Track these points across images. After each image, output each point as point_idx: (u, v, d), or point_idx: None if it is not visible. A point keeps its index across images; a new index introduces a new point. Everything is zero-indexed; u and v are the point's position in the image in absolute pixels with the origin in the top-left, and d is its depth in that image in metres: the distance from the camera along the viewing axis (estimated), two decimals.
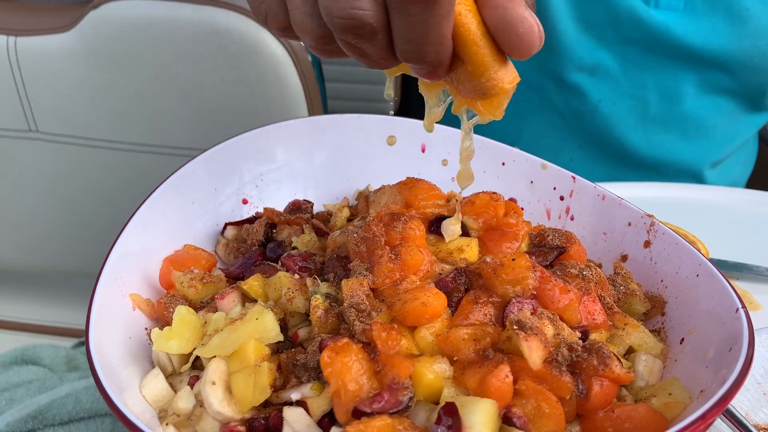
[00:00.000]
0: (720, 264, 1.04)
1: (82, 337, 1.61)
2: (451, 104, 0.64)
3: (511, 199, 0.87)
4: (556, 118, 1.45)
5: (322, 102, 1.47)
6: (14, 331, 1.65)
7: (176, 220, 0.81)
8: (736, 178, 1.61)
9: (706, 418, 0.49)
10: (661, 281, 0.76)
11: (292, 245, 0.79)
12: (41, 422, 1.13)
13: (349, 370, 0.57)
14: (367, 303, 0.64)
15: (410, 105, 2.43)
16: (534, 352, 0.57)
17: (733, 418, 0.73)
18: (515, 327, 0.59)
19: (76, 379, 1.33)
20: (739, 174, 1.63)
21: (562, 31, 1.30)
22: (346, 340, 0.59)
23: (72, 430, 1.15)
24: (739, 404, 0.79)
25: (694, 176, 1.49)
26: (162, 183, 0.80)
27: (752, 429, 0.72)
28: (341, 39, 0.53)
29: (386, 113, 1.12)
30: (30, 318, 1.67)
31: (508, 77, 0.56)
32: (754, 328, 0.84)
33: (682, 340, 0.69)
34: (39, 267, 1.61)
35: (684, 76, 1.33)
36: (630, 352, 0.69)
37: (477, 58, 0.53)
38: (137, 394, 0.64)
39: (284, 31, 0.58)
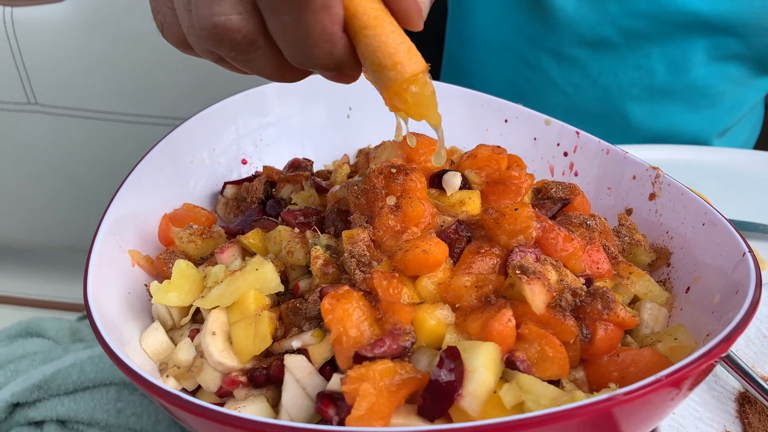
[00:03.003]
0: None
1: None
2: None
3: (516, 156, 0.86)
4: (557, 95, 1.43)
5: None
6: (19, 306, 1.65)
7: (175, 178, 0.80)
8: (743, 144, 1.59)
9: (710, 356, 0.48)
10: (667, 233, 0.75)
11: (292, 202, 0.79)
12: (46, 392, 1.13)
13: (350, 316, 0.56)
14: (368, 253, 0.63)
15: None
16: (537, 296, 0.56)
17: (740, 370, 0.73)
18: (518, 271, 0.58)
19: (81, 349, 1.33)
20: (745, 140, 1.61)
21: (561, 6, 1.27)
22: (346, 287, 0.59)
23: (77, 399, 1.15)
24: (746, 357, 0.78)
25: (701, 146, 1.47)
26: (159, 141, 0.79)
27: (759, 380, 0.71)
28: (223, 54, 0.47)
29: None
30: (34, 293, 1.67)
31: (410, 65, 0.49)
32: (764, 283, 0.83)
33: (688, 288, 0.68)
34: (41, 241, 1.61)
35: (692, 44, 1.30)
36: (635, 301, 0.68)
37: (370, 43, 0.47)
38: (137, 347, 0.64)
39: (182, 45, 0.52)
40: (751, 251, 0.60)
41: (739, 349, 0.79)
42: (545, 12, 1.30)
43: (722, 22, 1.25)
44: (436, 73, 1.77)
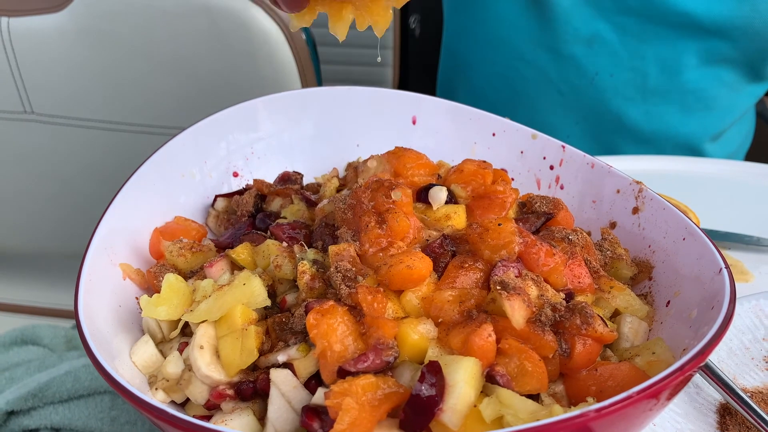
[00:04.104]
0: (712, 234, 1.04)
1: None
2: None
3: (502, 170, 0.87)
4: (552, 94, 1.44)
5: (317, 84, 1.47)
6: (14, 314, 1.66)
7: (166, 192, 0.81)
8: (735, 151, 1.61)
9: (683, 371, 0.49)
10: (649, 246, 0.76)
11: (282, 215, 0.80)
12: (41, 400, 1.14)
13: (334, 331, 0.58)
14: (354, 268, 0.64)
15: (408, 80, 2.43)
16: (516, 312, 0.58)
17: (721, 382, 0.74)
18: (498, 287, 0.59)
19: (76, 357, 1.34)
20: (738, 146, 1.62)
21: (558, 1, 1.29)
22: (331, 302, 0.60)
23: (71, 407, 1.16)
24: (727, 368, 0.79)
25: (694, 150, 1.48)
26: (151, 155, 0.80)
27: (739, 391, 0.73)
28: None
29: None
30: (29, 300, 1.68)
31: None
32: (747, 295, 0.85)
33: (668, 302, 0.69)
34: (37, 249, 1.62)
35: (685, 47, 1.31)
36: (616, 315, 0.69)
37: None
38: (127, 360, 0.65)
39: None
40: (727, 267, 0.62)
41: (720, 360, 0.80)
42: (542, 6, 1.32)
43: (713, 25, 1.26)
44: (434, 70, 1.79)
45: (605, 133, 1.47)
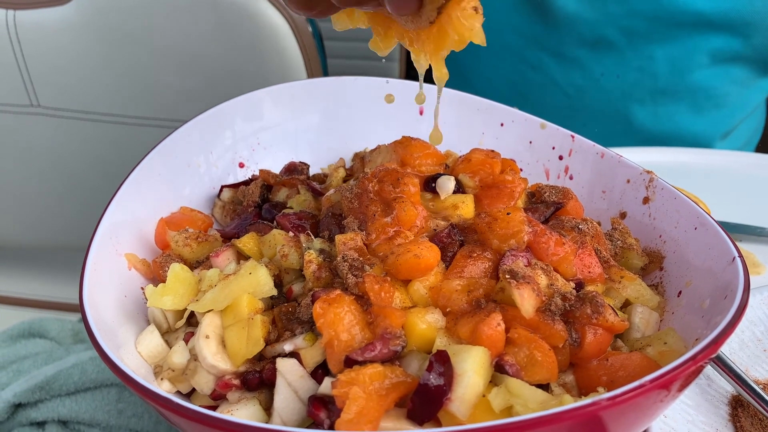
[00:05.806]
0: (723, 225, 1.02)
1: None
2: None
3: (510, 160, 0.86)
4: (558, 96, 1.42)
5: (323, 75, 1.46)
6: (21, 307, 1.66)
7: (171, 182, 0.81)
8: (744, 145, 1.59)
9: (695, 361, 0.48)
10: (660, 236, 0.75)
11: (288, 206, 0.79)
12: (48, 393, 1.14)
13: (341, 320, 0.57)
14: (360, 257, 0.63)
15: (416, 75, 2.42)
16: (526, 301, 0.57)
17: (732, 373, 0.73)
18: (508, 276, 0.58)
19: (82, 350, 1.34)
20: (746, 141, 1.60)
21: (561, 6, 1.27)
22: (338, 292, 0.59)
23: (78, 400, 1.16)
24: (739, 360, 0.78)
25: (705, 148, 1.46)
26: (156, 145, 0.80)
27: (751, 383, 0.72)
28: None
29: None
30: (36, 294, 1.68)
31: None
32: (759, 287, 0.84)
33: (680, 293, 0.68)
34: (43, 242, 1.62)
35: (695, 46, 1.29)
36: (627, 305, 0.69)
37: None
38: (133, 350, 0.64)
39: (304, 6, 0.62)
40: (740, 256, 0.61)
41: (732, 352, 0.79)
42: (546, 12, 1.30)
43: (725, 22, 1.24)
44: None
45: (614, 134, 1.45)
